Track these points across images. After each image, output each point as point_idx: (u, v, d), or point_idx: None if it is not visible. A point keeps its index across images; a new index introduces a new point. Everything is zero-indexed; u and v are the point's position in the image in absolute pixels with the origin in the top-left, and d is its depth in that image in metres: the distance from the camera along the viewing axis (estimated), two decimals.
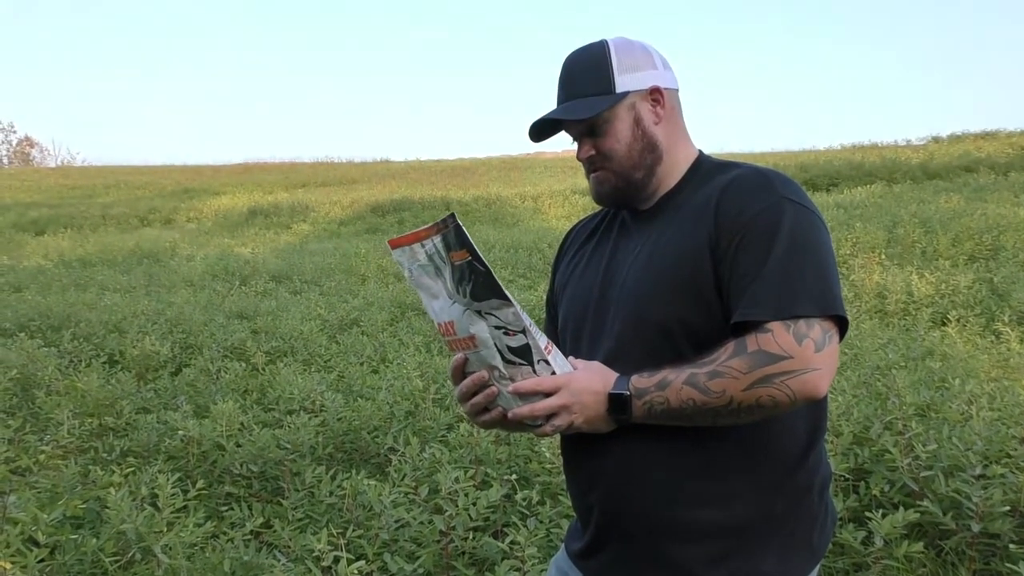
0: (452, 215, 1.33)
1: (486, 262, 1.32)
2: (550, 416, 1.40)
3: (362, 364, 6.38)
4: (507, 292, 1.34)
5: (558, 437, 3.16)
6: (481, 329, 1.36)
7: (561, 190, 24.18)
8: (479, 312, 1.35)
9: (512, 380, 1.39)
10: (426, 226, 1.39)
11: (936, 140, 29.98)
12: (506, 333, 1.36)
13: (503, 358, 1.38)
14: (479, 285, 1.33)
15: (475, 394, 1.43)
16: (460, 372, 1.45)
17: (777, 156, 30.08)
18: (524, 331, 1.36)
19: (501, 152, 50.83)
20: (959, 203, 13.81)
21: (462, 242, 1.32)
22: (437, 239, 1.36)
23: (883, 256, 9.84)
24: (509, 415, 1.40)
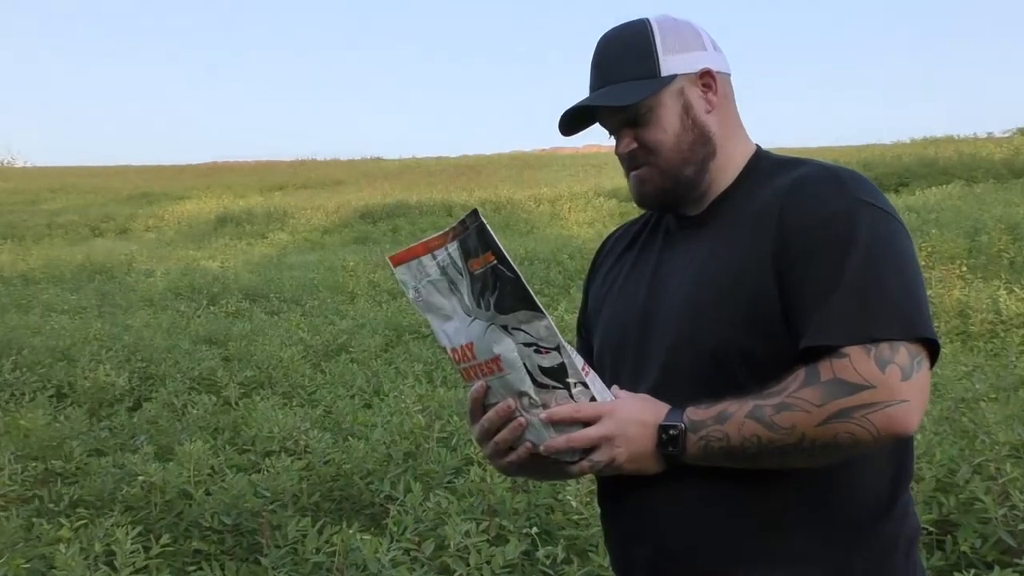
0: (475, 212, 1.33)
1: (515, 266, 1.32)
2: (588, 450, 1.39)
3: (353, 397, 6.38)
4: (538, 302, 1.34)
5: (589, 482, 3.13)
6: (507, 348, 1.36)
7: (583, 192, 24.22)
8: (505, 327, 1.35)
9: (545, 407, 1.38)
10: (438, 233, 1.39)
11: (1023, 132, 29.88)
12: (537, 351, 1.35)
13: (534, 381, 1.37)
14: (506, 294, 1.33)
15: (500, 429, 1.42)
16: (480, 405, 1.44)
17: (835, 151, 30.06)
18: (558, 348, 1.35)
19: (512, 148, 51.04)
20: None
21: (486, 244, 1.32)
22: (453, 246, 1.36)
23: (964, 268, 9.80)
24: (541, 448, 1.39)
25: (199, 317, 10.35)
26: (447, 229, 1.37)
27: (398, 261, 1.44)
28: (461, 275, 1.37)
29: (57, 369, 7.25)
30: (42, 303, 11.51)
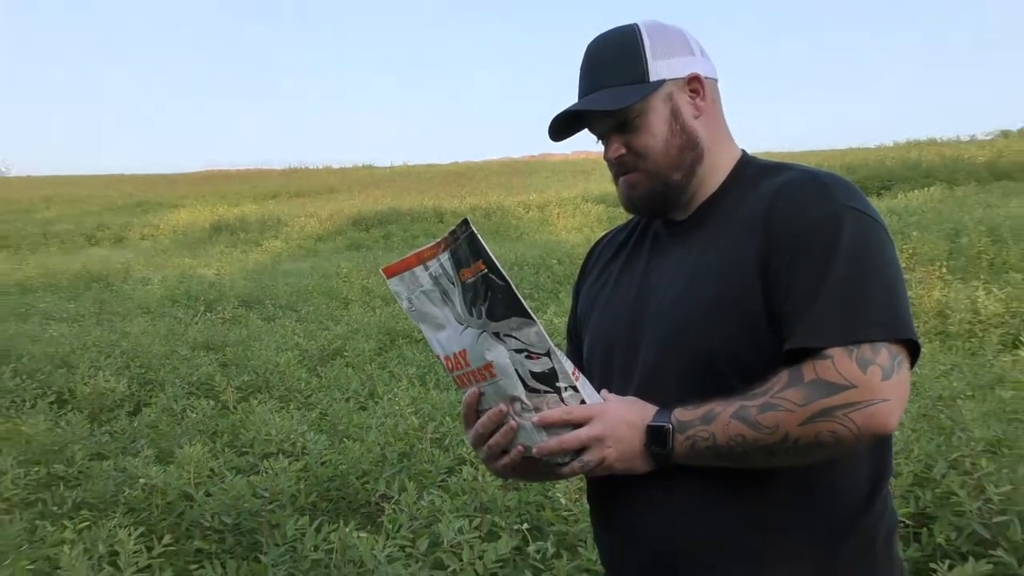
0: (466, 221, 1.35)
1: (505, 274, 1.34)
2: (579, 451, 1.41)
3: (348, 400, 6.40)
4: (529, 309, 1.36)
5: (578, 479, 3.16)
6: (499, 354, 1.38)
7: (571, 197, 24.25)
8: (497, 335, 1.37)
9: (537, 411, 1.40)
10: (430, 243, 1.40)
11: (1006, 135, 30.00)
12: (528, 356, 1.38)
13: (526, 386, 1.39)
14: (497, 302, 1.35)
15: (493, 433, 1.44)
16: (474, 410, 1.47)
17: (819, 155, 30.14)
18: (549, 353, 1.38)
19: (501, 154, 51.00)
20: None
21: (477, 253, 1.34)
22: (445, 256, 1.38)
23: (944, 269, 9.84)
24: (534, 451, 1.42)
25: (196, 324, 10.33)
26: (439, 240, 1.39)
27: (391, 273, 1.46)
28: (453, 285, 1.39)
29: (57, 376, 7.23)
30: (40, 311, 11.45)
